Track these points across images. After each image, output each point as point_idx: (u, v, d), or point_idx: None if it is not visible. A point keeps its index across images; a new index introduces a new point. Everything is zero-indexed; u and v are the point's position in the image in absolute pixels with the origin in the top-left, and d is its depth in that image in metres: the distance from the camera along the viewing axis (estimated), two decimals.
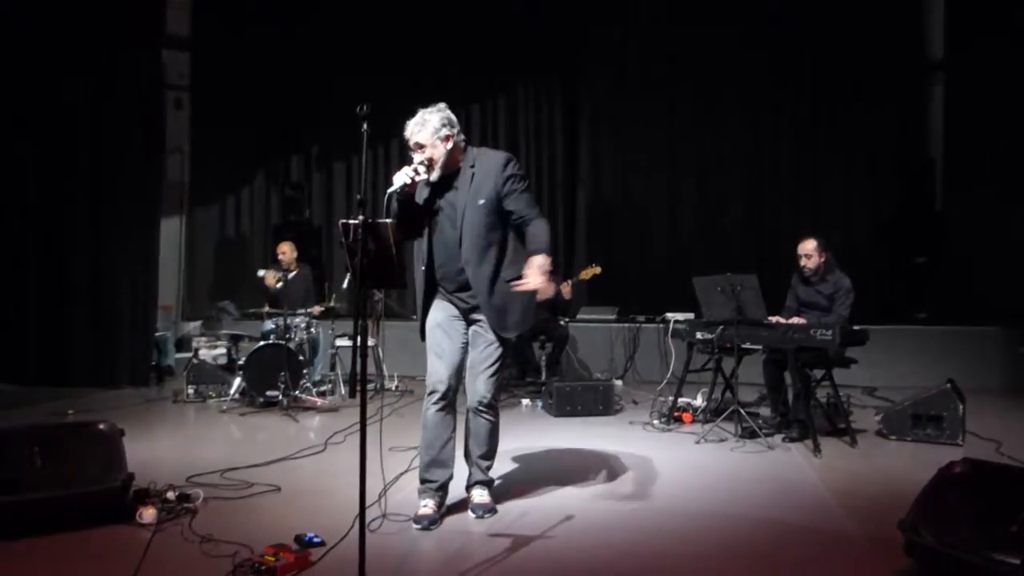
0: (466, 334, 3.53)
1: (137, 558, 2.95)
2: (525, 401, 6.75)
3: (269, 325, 7.06)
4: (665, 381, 7.22)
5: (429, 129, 3.35)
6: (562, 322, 7.43)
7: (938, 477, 2.96)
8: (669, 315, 7.08)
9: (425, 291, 3.54)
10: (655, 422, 5.73)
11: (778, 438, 5.14)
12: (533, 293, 3.38)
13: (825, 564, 3.06)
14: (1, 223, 7.40)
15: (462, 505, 3.62)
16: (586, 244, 9.55)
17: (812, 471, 4.42)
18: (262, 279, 7.15)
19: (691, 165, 9.37)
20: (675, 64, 9.35)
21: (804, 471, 4.44)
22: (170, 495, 3.59)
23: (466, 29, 9.61)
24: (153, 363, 7.77)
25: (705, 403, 5.91)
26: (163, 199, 8.20)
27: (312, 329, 7.01)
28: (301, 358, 6.47)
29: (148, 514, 3.38)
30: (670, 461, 4.61)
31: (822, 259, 5.36)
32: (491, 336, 3.48)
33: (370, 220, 2.86)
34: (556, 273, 7.64)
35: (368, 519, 2.81)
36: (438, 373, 3.48)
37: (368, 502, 2.76)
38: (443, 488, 3.53)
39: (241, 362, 6.53)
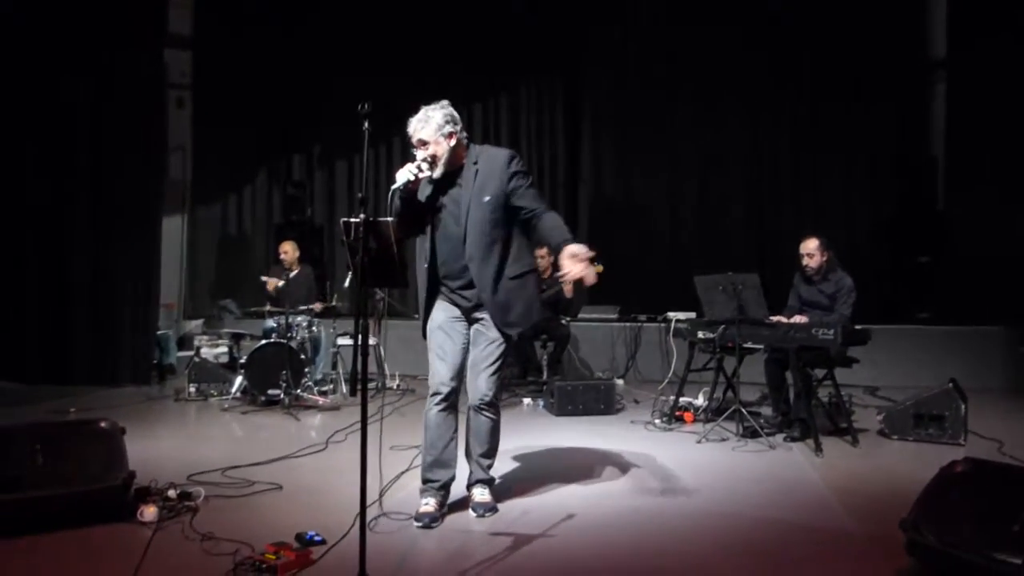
0: (467, 334, 3.53)
1: (138, 556, 2.95)
2: (526, 400, 6.75)
3: (271, 324, 7.06)
4: (666, 380, 7.21)
5: (432, 126, 3.35)
6: (563, 321, 7.42)
7: (940, 476, 2.95)
8: (671, 314, 7.08)
9: (427, 289, 3.54)
10: (656, 421, 5.73)
11: (779, 437, 5.14)
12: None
13: (826, 563, 3.06)
14: (2, 222, 7.41)
15: (463, 504, 3.62)
16: (587, 243, 9.50)
17: (813, 470, 4.41)
18: (265, 283, 7.18)
19: (692, 164, 9.37)
20: (676, 64, 9.36)
21: (805, 470, 4.44)
22: (171, 493, 3.59)
23: (468, 29, 9.62)
24: (155, 361, 7.77)
25: (706, 402, 5.90)
26: (164, 198, 8.20)
27: (314, 328, 7.01)
28: (303, 357, 6.48)
29: (149, 512, 3.38)
30: (671, 460, 4.60)
31: (824, 258, 5.35)
32: (492, 334, 3.48)
33: (371, 218, 2.86)
34: (557, 271, 7.67)
35: (369, 518, 2.81)
36: (440, 375, 3.48)
37: (369, 501, 2.76)
38: (445, 487, 3.53)
39: (243, 361, 6.54)
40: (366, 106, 2.84)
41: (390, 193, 3.26)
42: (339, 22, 9.76)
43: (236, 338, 7.57)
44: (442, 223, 3.46)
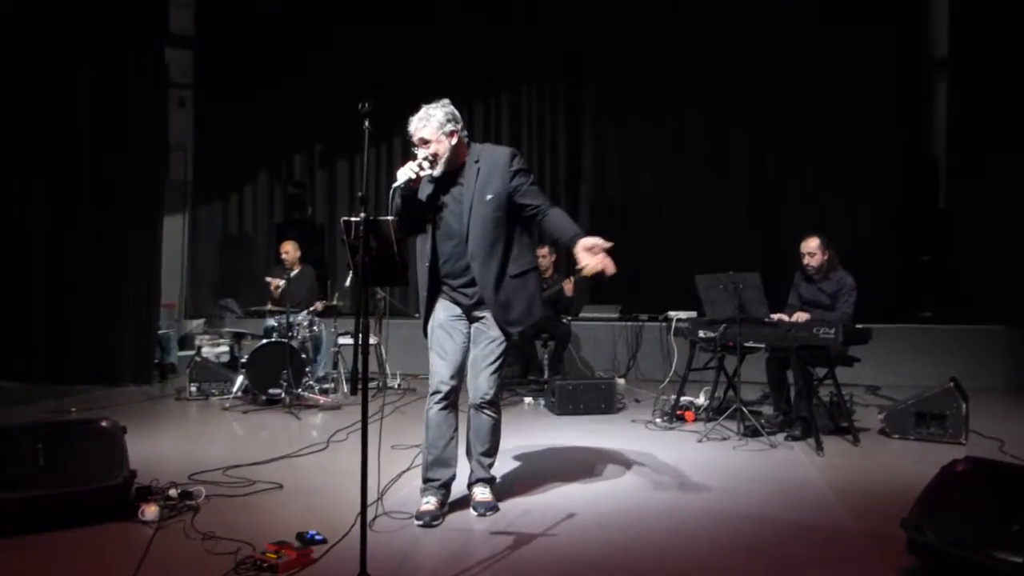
0: (468, 333, 3.53)
1: (139, 555, 2.95)
2: (527, 399, 6.75)
3: (271, 323, 7.07)
4: (667, 379, 7.19)
5: (433, 124, 3.35)
6: (564, 320, 7.42)
7: (941, 475, 2.95)
8: (672, 313, 7.07)
9: (428, 288, 3.54)
10: (657, 420, 5.73)
11: (780, 437, 5.14)
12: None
13: (827, 562, 3.06)
14: (4, 222, 7.42)
15: (464, 503, 3.62)
16: None
17: (814, 470, 4.41)
18: (268, 284, 7.20)
19: (693, 163, 9.35)
20: (677, 63, 9.34)
21: (806, 470, 4.44)
22: (172, 492, 3.59)
23: (469, 27, 9.61)
24: (156, 361, 7.77)
25: (707, 401, 5.90)
26: (166, 197, 8.20)
27: (314, 327, 7.01)
28: (303, 356, 6.47)
29: (150, 511, 3.38)
30: (672, 460, 4.60)
31: (825, 257, 5.35)
32: (493, 333, 3.48)
33: (372, 217, 2.86)
34: (558, 270, 7.68)
35: (370, 517, 2.81)
36: (440, 373, 3.48)
37: (370, 500, 2.76)
38: (446, 486, 3.54)
39: (244, 360, 6.55)
40: (366, 105, 2.84)
41: (391, 192, 3.26)
42: (340, 22, 9.75)
43: (237, 337, 7.58)
44: (443, 222, 3.46)
